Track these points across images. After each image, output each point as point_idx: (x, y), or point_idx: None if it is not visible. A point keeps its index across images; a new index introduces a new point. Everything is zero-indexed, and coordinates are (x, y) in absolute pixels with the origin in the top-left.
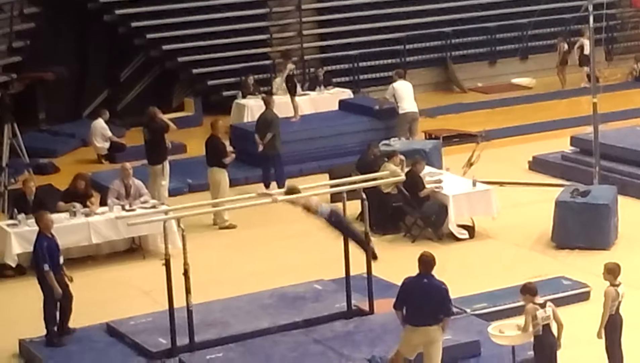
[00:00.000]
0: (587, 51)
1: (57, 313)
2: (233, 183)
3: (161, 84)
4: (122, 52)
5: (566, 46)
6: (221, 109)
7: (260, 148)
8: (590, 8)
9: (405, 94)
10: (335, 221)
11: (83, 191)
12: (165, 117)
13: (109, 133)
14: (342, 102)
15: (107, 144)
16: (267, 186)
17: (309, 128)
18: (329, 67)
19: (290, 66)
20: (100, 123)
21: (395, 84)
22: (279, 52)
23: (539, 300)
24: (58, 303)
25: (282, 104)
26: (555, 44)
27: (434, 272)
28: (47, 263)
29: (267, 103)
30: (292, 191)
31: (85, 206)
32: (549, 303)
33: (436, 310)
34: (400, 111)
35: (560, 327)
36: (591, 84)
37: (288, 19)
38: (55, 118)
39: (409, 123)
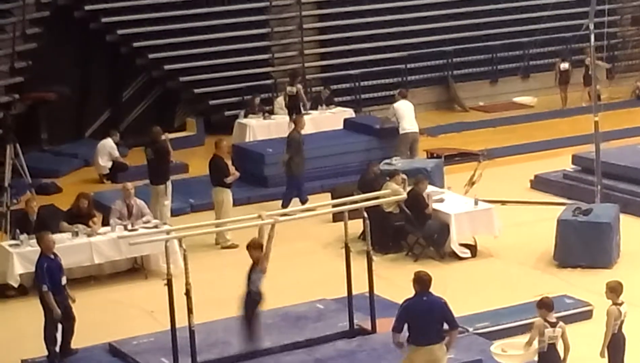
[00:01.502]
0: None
1: (59, 334)
2: (235, 203)
3: (163, 104)
4: (124, 72)
5: (567, 65)
6: (223, 128)
7: (282, 166)
8: (592, 27)
9: (405, 114)
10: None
11: (86, 211)
12: (166, 137)
13: (117, 153)
14: (346, 121)
15: (109, 164)
16: (302, 202)
17: (311, 148)
18: (331, 87)
19: (298, 85)
20: (109, 142)
21: (396, 104)
22: (288, 70)
23: (553, 317)
24: (60, 324)
25: (283, 124)
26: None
27: (432, 290)
28: (46, 284)
29: (295, 123)
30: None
31: (87, 226)
32: (560, 323)
33: (440, 326)
34: (401, 131)
35: (567, 349)
36: (593, 102)
37: (289, 38)
38: (58, 138)
39: (409, 143)
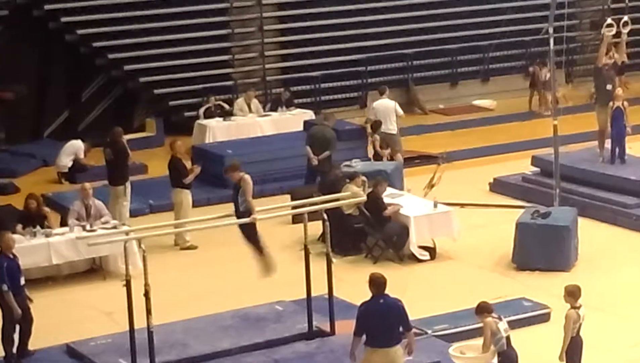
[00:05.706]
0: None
1: (16, 335)
2: (195, 204)
3: (122, 104)
4: (84, 72)
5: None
6: (183, 129)
7: (315, 162)
8: (551, 31)
9: (381, 114)
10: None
11: (36, 212)
12: (125, 138)
13: (82, 155)
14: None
15: (70, 164)
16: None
17: (271, 149)
18: (291, 88)
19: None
20: (78, 143)
21: (375, 103)
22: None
23: (495, 316)
24: (17, 325)
25: (243, 125)
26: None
27: (391, 293)
28: (6, 283)
29: (326, 119)
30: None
31: (42, 227)
32: (502, 317)
33: (397, 328)
34: None
35: None
36: (551, 106)
37: (250, 39)
38: (16, 138)
39: (386, 143)
